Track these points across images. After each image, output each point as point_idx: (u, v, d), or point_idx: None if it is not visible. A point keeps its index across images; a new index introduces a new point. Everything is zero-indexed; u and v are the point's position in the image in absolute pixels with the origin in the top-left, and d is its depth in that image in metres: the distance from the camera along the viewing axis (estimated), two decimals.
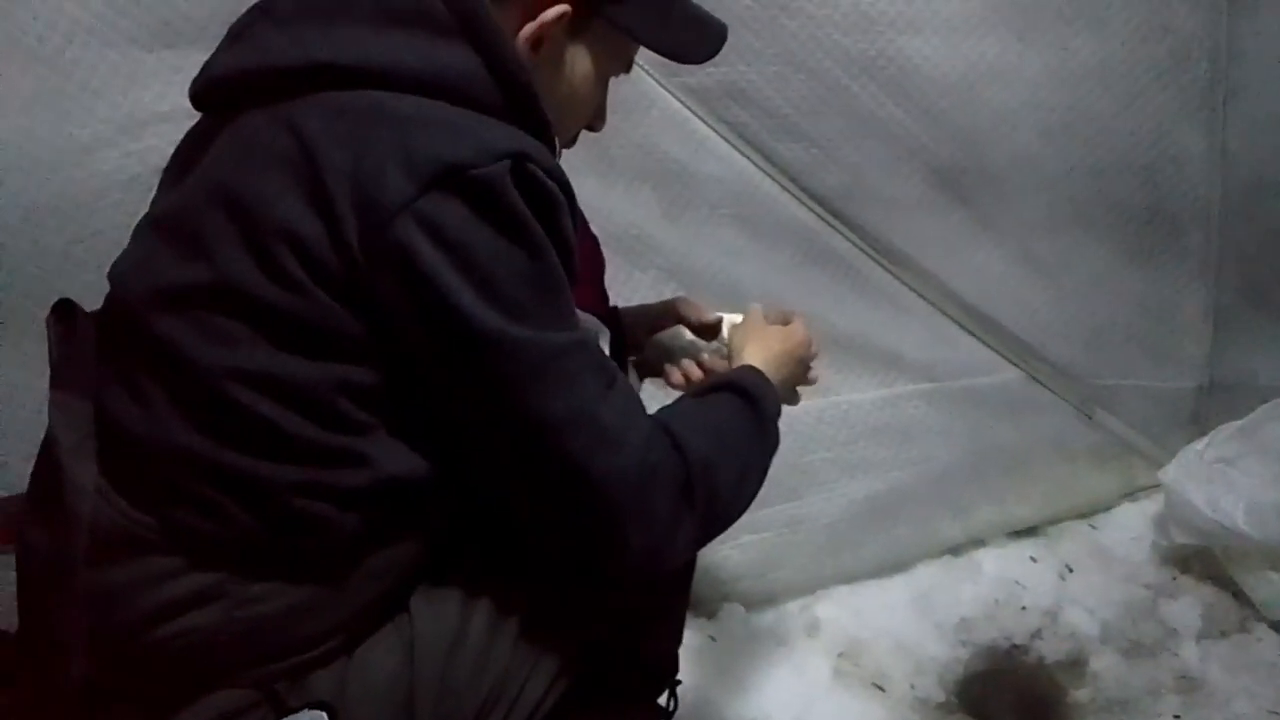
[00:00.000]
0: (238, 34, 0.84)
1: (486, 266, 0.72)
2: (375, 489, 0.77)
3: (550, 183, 0.75)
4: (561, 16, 0.83)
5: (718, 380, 0.95)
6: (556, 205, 0.76)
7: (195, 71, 0.85)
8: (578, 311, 0.83)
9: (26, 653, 0.83)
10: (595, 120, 0.97)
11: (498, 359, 0.73)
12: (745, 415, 0.90)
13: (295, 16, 0.80)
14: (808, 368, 1.10)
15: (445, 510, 0.84)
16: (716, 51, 0.95)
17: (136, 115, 1.18)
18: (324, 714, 0.63)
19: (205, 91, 0.85)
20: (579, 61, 0.89)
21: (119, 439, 0.79)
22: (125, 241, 0.86)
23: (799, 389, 1.10)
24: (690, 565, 1.02)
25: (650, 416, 0.82)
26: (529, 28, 0.82)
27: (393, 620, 0.84)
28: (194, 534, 0.76)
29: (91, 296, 0.87)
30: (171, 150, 0.89)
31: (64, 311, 0.84)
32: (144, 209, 0.88)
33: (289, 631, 0.78)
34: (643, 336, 1.17)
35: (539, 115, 0.81)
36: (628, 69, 0.96)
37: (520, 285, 0.74)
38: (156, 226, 0.83)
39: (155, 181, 0.89)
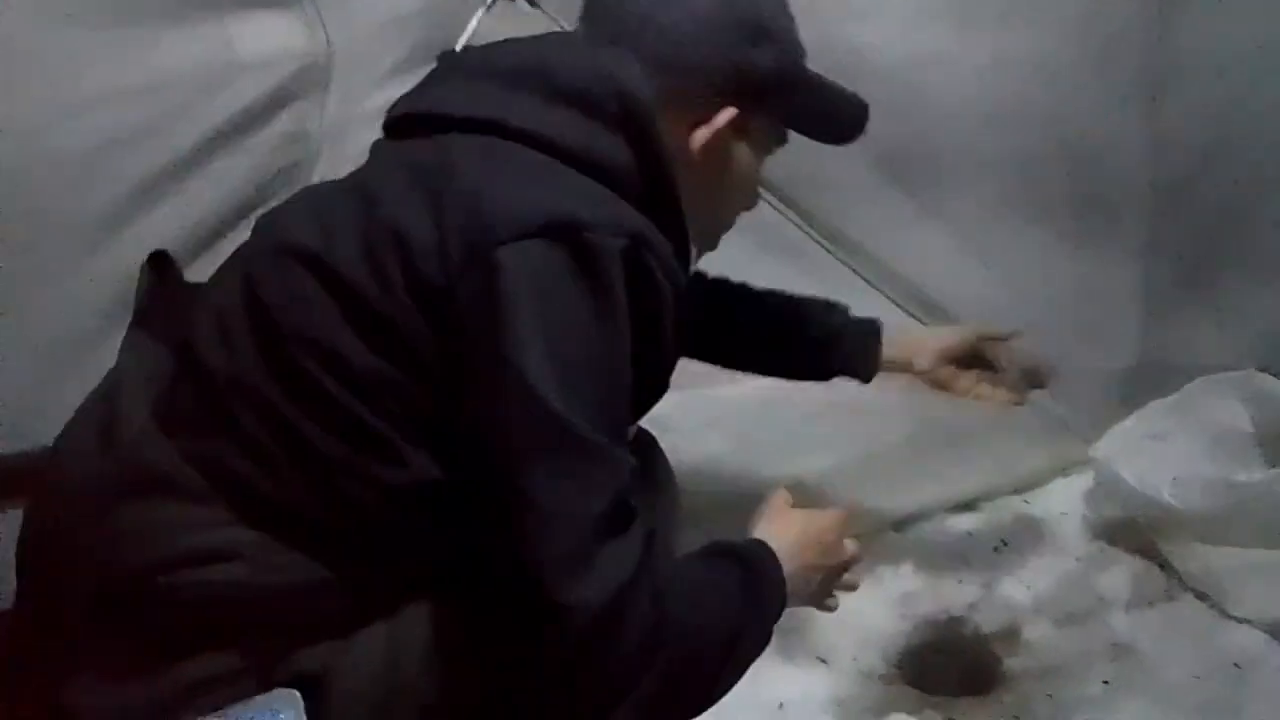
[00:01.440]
0: (432, 78, 0.92)
1: (560, 323, 0.73)
2: (412, 492, 0.78)
3: (662, 278, 0.77)
4: (731, 120, 0.89)
5: (716, 546, 0.94)
6: (660, 301, 0.77)
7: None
8: None
9: (34, 574, 0.85)
10: (752, 204, 1.05)
11: (524, 414, 0.73)
12: (735, 589, 0.88)
13: (481, 75, 0.86)
14: (841, 571, 1.08)
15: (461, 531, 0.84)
16: (863, 129, 1.06)
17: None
18: (296, 693, 0.64)
19: (394, 122, 0.91)
20: (743, 156, 0.97)
21: (195, 377, 0.82)
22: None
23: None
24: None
25: (642, 572, 0.77)
26: (702, 133, 0.89)
27: (385, 620, 0.85)
28: (241, 486, 0.78)
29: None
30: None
31: (158, 261, 0.92)
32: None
33: (296, 608, 0.80)
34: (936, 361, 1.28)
35: (677, 219, 0.85)
36: (782, 144, 1.05)
37: (581, 356, 0.74)
38: (308, 195, 0.91)
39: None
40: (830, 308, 1.33)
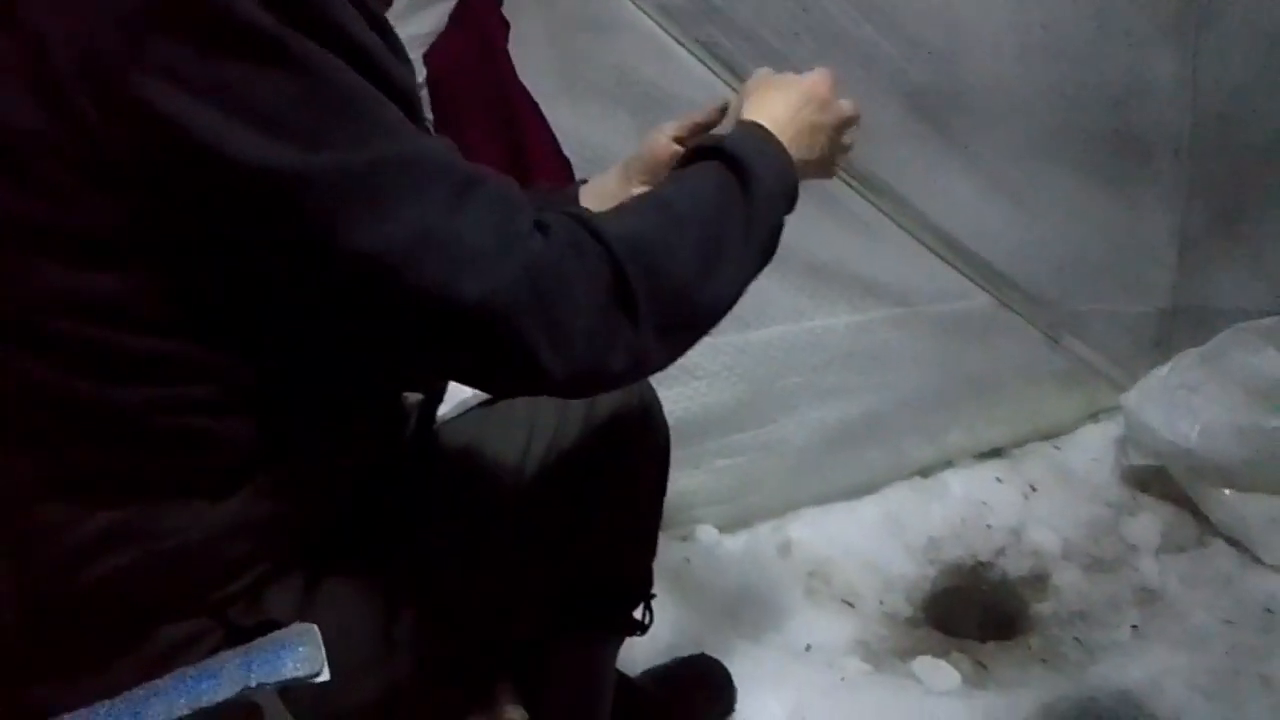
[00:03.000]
0: None
1: (245, 98, 0.60)
2: (231, 398, 0.70)
3: None
4: None
5: (684, 153, 0.79)
6: (323, 8, 0.62)
7: None
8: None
9: None
10: None
11: (299, 197, 0.61)
12: (714, 178, 0.75)
13: None
14: (841, 128, 0.91)
15: (341, 411, 0.77)
16: None
17: None
18: (312, 628, 0.62)
19: None
20: None
21: None
22: None
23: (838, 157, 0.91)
24: (662, 478, 1.01)
25: (553, 215, 0.68)
26: None
27: (362, 538, 0.81)
28: (81, 473, 0.70)
29: None
30: None
31: None
32: None
33: (212, 558, 0.74)
34: (635, 189, 1.00)
35: None
36: None
37: (296, 109, 0.60)
38: None
39: None
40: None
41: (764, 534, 1.61)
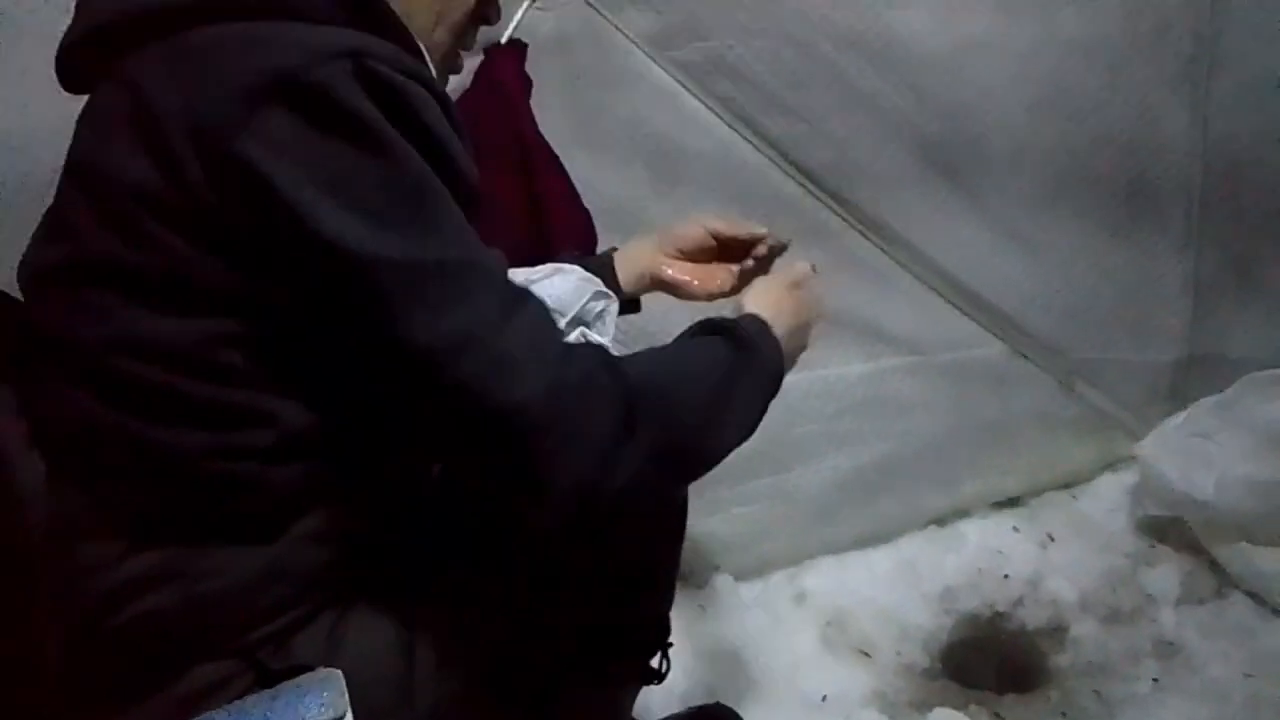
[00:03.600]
0: (77, 7, 0.81)
1: (335, 176, 0.66)
2: (286, 445, 0.74)
3: (402, 78, 0.69)
4: None
5: (697, 324, 0.88)
6: (415, 103, 0.69)
7: None
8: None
9: None
10: (488, 7, 0.91)
11: (365, 276, 0.67)
12: (719, 348, 0.84)
13: None
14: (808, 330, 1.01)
15: (377, 465, 0.81)
16: None
17: None
18: (337, 674, 0.63)
19: (61, 72, 0.82)
20: None
21: (41, 425, 0.78)
22: None
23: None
24: (680, 527, 1.02)
25: (580, 345, 0.76)
26: None
27: (384, 586, 0.83)
28: (130, 512, 0.74)
29: None
30: None
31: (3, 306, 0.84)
32: None
33: (250, 602, 0.77)
34: (659, 261, 1.13)
35: (390, 20, 0.76)
36: None
37: (377, 193, 0.67)
38: (44, 219, 0.81)
39: None
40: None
41: (780, 582, 1.60)
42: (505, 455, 0.70)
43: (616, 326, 1.12)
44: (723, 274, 1.13)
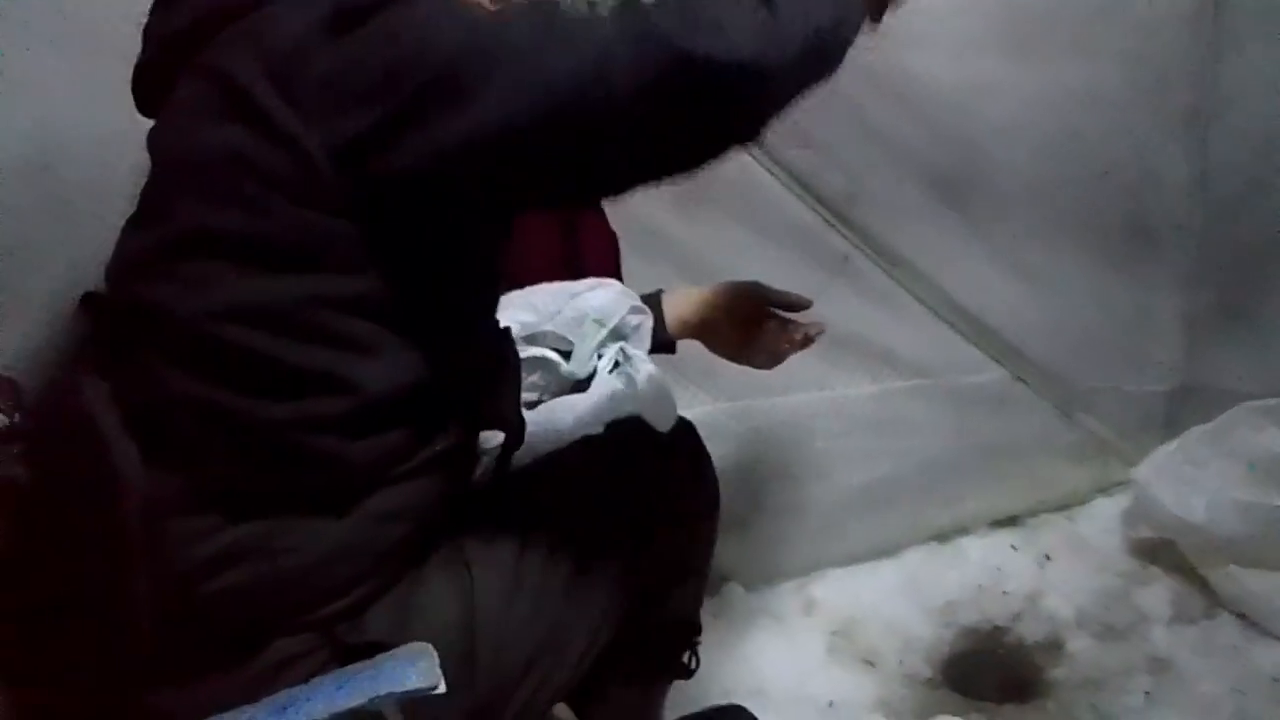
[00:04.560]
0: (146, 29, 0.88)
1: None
2: (363, 416, 0.79)
3: None
4: None
5: None
6: None
7: None
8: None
9: (86, 621, 0.84)
10: None
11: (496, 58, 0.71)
12: None
13: None
14: None
15: (454, 442, 0.86)
16: None
17: None
18: (430, 647, 0.69)
19: (139, 91, 0.89)
20: None
21: (136, 409, 0.81)
22: None
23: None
24: (713, 529, 1.09)
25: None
26: None
27: (446, 566, 0.89)
28: (218, 489, 0.79)
29: None
30: None
31: (91, 302, 0.89)
32: None
33: (327, 578, 0.82)
34: (716, 315, 1.20)
35: None
36: None
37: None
38: (132, 220, 0.86)
39: None
40: None
41: (789, 592, 1.66)
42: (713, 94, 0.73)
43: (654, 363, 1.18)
44: (764, 339, 1.20)
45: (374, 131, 0.73)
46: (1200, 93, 1.55)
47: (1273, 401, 1.67)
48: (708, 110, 0.74)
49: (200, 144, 0.77)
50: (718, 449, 1.59)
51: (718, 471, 1.59)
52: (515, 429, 0.94)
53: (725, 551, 1.66)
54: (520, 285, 1.29)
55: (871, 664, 1.55)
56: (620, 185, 0.81)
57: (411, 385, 0.81)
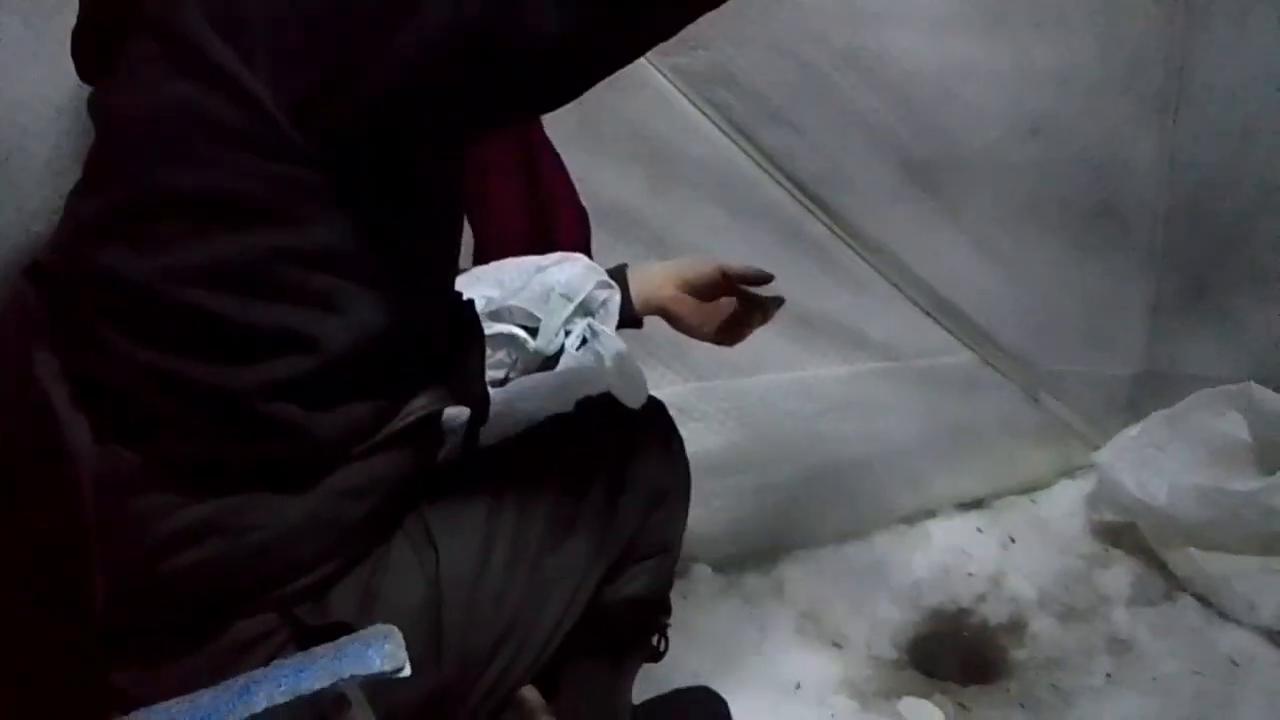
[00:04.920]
0: None
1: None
2: (326, 380, 0.77)
3: None
4: None
5: None
6: None
7: None
8: None
9: (39, 602, 0.83)
10: None
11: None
12: None
13: None
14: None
15: (419, 416, 0.84)
16: None
17: None
18: (395, 629, 0.67)
19: (78, 53, 0.85)
20: None
21: (90, 382, 0.79)
22: None
23: None
24: (684, 510, 1.08)
25: None
26: None
27: (411, 545, 0.87)
28: (178, 464, 0.77)
29: None
30: None
31: (36, 273, 0.84)
32: None
33: (290, 555, 0.80)
34: (668, 292, 1.18)
35: None
36: None
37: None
38: (77, 189, 0.83)
39: None
40: None
41: (757, 573, 1.66)
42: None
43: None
44: (725, 316, 1.19)
45: (323, 82, 0.71)
46: (1170, 81, 1.56)
47: (1233, 387, 1.70)
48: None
49: (152, 102, 0.74)
50: (687, 429, 1.60)
51: (687, 452, 1.61)
52: (480, 403, 0.93)
53: (694, 532, 1.66)
54: (491, 260, 1.27)
55: (839, 646, 1.55)
56: (562, 80, 0.76)
57: (376, 345, 0.79)
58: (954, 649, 1.59)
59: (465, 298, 0.95)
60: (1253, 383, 1.68)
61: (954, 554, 1.72)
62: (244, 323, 0.74)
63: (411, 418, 0.84)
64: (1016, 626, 1.60)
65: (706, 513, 1.63)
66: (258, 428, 0.76)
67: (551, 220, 1.43)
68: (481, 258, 1.39)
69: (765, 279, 1.18)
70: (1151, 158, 1.63)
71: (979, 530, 1.77)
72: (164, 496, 0.77)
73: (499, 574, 0.89)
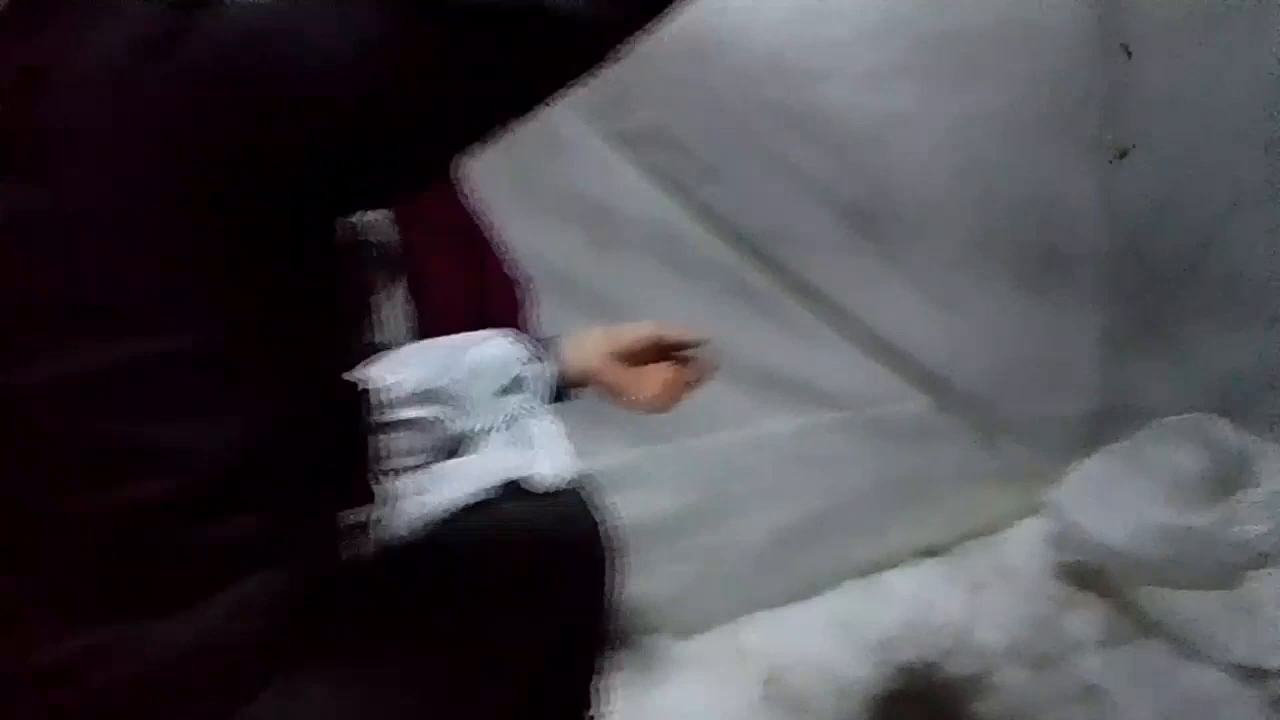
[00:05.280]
0: None
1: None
2: (206, 490, 0.72)
3: None
4: None
5: None
6: None
7: None
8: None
9: None
10: None
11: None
12: None
13: None
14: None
15: (308, 523, 0.80)
16: None
17: None
18: None
19: None
20: None
21: None
22: None
23: None
24: (609, 595, 1.02)
25: None
26: None
27: (320, 667, 0.80)
28: (56, 592, 0.72)
29: None
30: None
31: None
32: None
33: (178, 683, 0.73)
34: (595, 362, 1.15)
35: None
36: None
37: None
38: None
39: None
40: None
41: (718, 640, 1.62)
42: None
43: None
44: (658, 382, 1.16)
45: (226, 157, 0.67)
46: (1108, 120, 1.56)
47: (1186, 418, 1.69)
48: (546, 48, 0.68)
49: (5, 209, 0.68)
50: (641, 495, 1.58)
51: (638, 520, 1.57)
52: (373, 502, 0.88)
53: (651, 600, 1.63)
54: (424, 337, 1.23)
55: (805, 710, 1.51)
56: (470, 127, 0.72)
57: (256, 452, 0.73)
58: (924, 707, 1.55)
59: (388, 381, 0.90)
60: (1206, 414, 1.67)
61: (919, 606, 1.69)
62: (120, 445, 0.69)
63: (299, 526, 0.78)
64: (984, 679, 1.57)
65: (661, 580, 1.60)
66: (132, 553, 0.71)
67: (489, 296, 1.40)
68: (424, 336, 1.36)
69: (694, 343, 1.16)
70: (1094, 197, 1.63)
71: (943, 580, 1.74)
72: (37, 628, 0.71)
73: (416, 696, 0.83)
